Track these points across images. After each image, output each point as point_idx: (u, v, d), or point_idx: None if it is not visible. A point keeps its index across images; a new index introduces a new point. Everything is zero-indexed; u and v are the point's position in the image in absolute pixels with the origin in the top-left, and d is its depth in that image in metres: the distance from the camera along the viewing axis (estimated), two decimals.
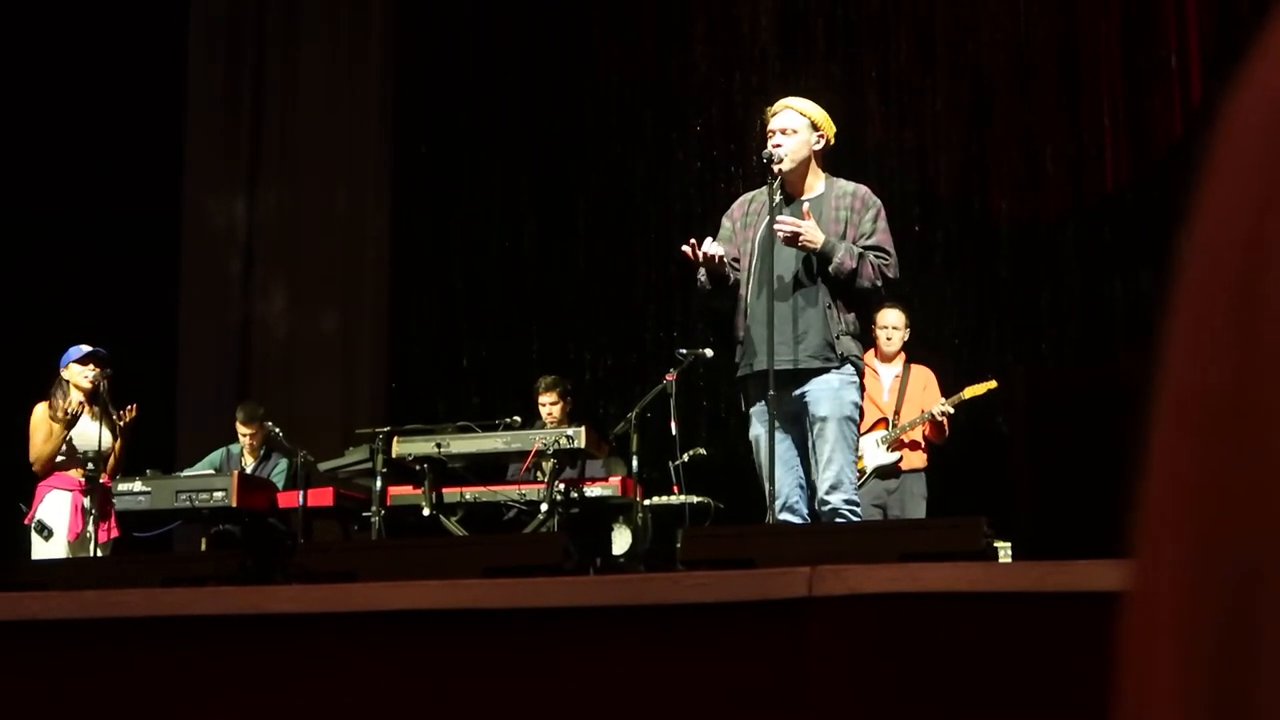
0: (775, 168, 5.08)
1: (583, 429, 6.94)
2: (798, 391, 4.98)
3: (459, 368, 9.95)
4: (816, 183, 5.19)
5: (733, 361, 5.16)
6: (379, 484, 6.91)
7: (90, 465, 6.96)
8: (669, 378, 6.86)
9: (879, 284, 5.03)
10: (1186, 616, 0.46)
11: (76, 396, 7.08)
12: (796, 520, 4.96)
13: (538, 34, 10.10)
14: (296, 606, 2.77)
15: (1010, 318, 8.83)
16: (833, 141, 5.24)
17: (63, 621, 2.87)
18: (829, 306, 4.98)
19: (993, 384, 7.30)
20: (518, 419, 7.25)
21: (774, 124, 5.17)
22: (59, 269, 9.29)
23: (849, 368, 5.00)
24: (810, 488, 5.01)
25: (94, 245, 9.39)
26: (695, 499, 7.29)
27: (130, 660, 2.84)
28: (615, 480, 7.17)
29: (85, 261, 9.34)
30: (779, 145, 5.11)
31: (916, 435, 7.26)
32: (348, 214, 10.24)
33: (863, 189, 5.18)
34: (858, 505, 5.07)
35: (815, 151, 5.18)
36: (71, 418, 7.03)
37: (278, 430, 7.78)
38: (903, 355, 7.41)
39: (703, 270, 5.03)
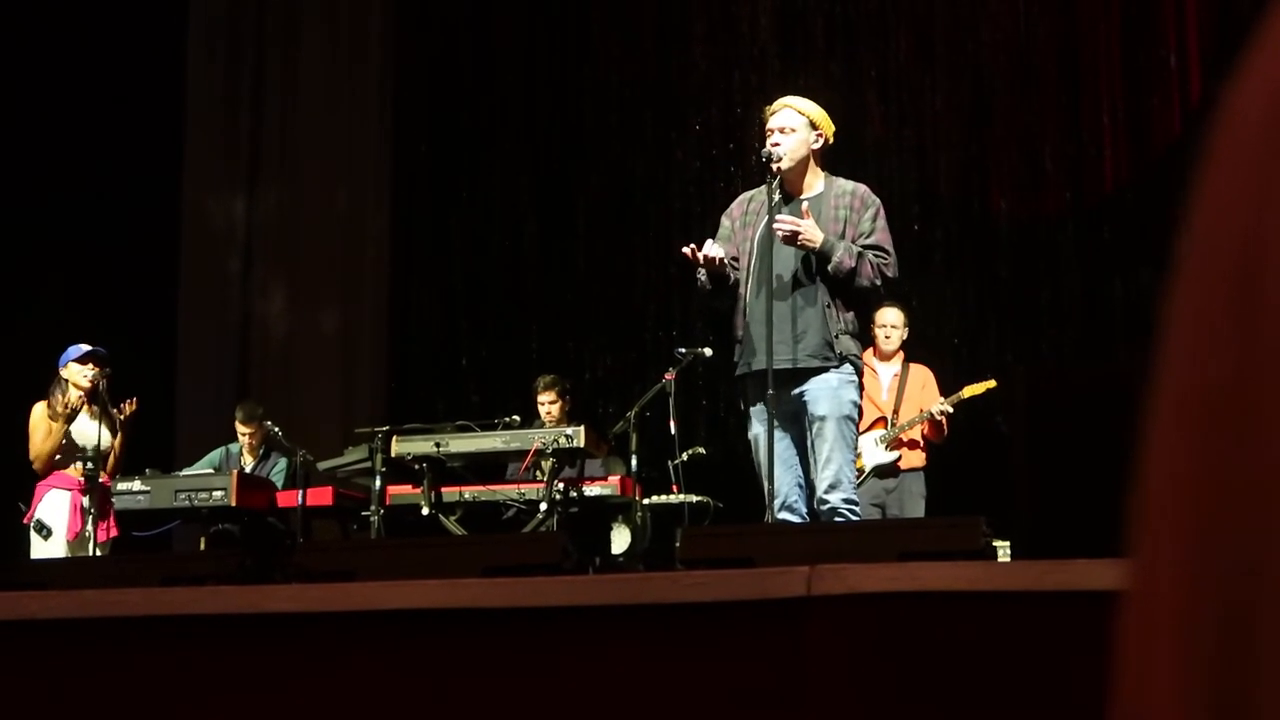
0: (774, 166, 5.08)
1: (582, 428, 6.94)
2: (796, 390, 4.98)
3: (458, 367, 9.95)
4: (815, 182, 5.19)
5: (731, 361, 5.16)
6: (378, 483, 6.91)
7: (89, 464, 6.96)
8: (668, 377, 6.86)
9: (878, 283, 5.02)
10: (1186, 615, 0.45)
11: (76, 392, 7.08)
12: (795, 519, 4.96)
13: (538, 34, 10.10)
14: (296, 606, 2.77)
15: (1010, 317, 8.83)
16: (832, 140, 5.23)
17: (62, 621, 2.86)
18: (828, 306, 4.98)
19: (991, 383, 7.30)
20: (517, 418, 7.25)
21: (773, 123, 5.16)
22: (59, 269, 9.29)
23: (848, 367, 5.00)
24: (809, 487, 5.01)
25: (94, 245, 9.38)
26: (694, 498, 7.29)
27: (129, 660, 2.84)
28: (614, 479, 7.17)
29: (85, 261, 9.34)
30: (778, 144, 5.10)
31: (915, 434, 7.26)
32: (348, 214, 10.24)
33: (862, 188, 5.18)
34: (856, 504, 5.07)
35: (814, 150, 5.17)
36: (71, 412, 7.03)
37: (277, 429, 7.78)
38: (901, 354, 7.41)
39: (703, 270, 5.03)
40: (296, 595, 2.83)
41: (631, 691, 2.56)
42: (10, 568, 4.48)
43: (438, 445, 6.96)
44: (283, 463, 8.08)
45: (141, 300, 9.70)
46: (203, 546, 7.27)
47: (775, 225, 4.96)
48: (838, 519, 4.88)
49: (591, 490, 7.10)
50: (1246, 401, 0.44)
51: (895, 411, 7.25)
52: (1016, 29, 9.04)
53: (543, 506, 6.82)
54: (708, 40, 9.69)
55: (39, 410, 7.12)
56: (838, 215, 5.07)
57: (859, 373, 5.06)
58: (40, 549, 6.93)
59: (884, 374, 7.31)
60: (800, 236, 4.92)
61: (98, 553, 6.88)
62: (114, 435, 7.13)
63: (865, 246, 5.01)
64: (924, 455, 7.28)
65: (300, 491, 7.25)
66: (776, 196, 5.08)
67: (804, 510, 5.01)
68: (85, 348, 7.15)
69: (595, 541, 6.88)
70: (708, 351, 6.53)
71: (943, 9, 9.18)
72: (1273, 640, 0.43)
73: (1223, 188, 0.46)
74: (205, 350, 10.13)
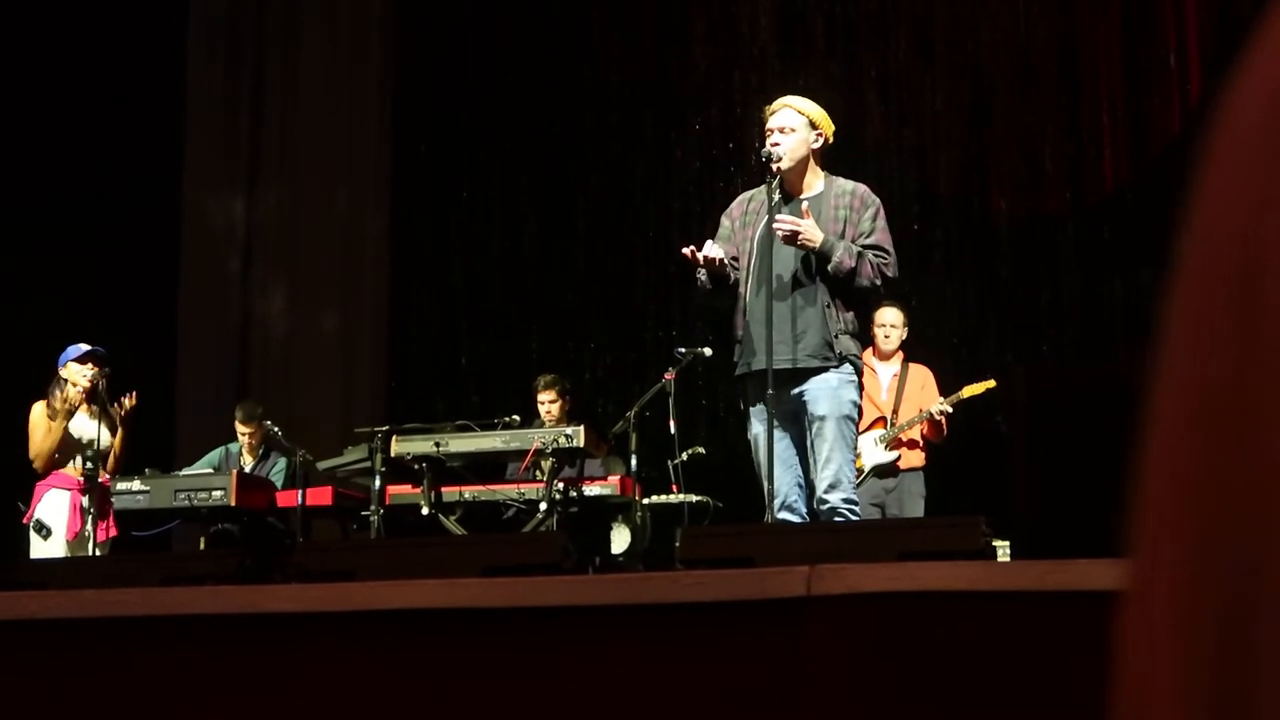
0: (774, 166, 5.08)
1: (581, 428, 6.94)
2: (796, 390, 4.98)
3: (458, 367, 9.95)
4: (815, 181, 5.19)
5: (731, 360, 5.16)
6: (378, 483, 6.91)
7: (89, 463, 6.96)
8: (668, 376, 6.86)
9: (878, 283, 5.02)
10: (1186, 615, 0.45)
11: (75, 389, 7.08)
12: (795, 519, 4.96)
13: (538, 34, 10.10)
14: (295, 606, 2.77)
15: (1010, 317, 8.83)
16: (831, 140, 5.23)
17: (61, 621, 2.86)
18: (828, 305, 4.97)
19: (991, 383, 7.30)
20: (516, 418, 7.25)
21: (772, 123, 5.16)
22: (59, 269, 9.28)
23: (847, 367, 5.00)
24: (809, 486, 5.01)
25: (94, 245, 9.38)
26: (694, 498, 7.29)
27: (129, 660, 2.83)
28: (614, 479, 7.17)
29: (85, 261, 9.33)
30: (777, 144, 5.10)
31: (915, 434, 7.26)
32: (348, 214, 10.24)
33: (862, 187, 5.18)
34: (856, 504, 5.07)
35: (814, 150, 5.17)
36: (70, 408, 7.03)
37: (277, 429, 7.78)
38: (901, 354, 7.41)
39: (703, 270, 5.03)
40: (296, 595, 2.83)
41: (631, 691, 2.56)
42: (10, 567, 4.48)
43: (437, 445, 6.96)
44: (282, 462, 8.08)
45: (141, 300, 9.70)
46: (202, 546, 7.27)
47: (775, 225, 4.95)
48: (837, 519, 4.88)
49: (591, 490, 7.10)
50: (1246, 401, 0.44)
51: (895, 411, 7.25)
52: (1016, 29, 9.04)
53: (542, 506, 6.82)
54: (708, 40, 9.69)
55: (38, 410, 7.13)
56: (837, 215, 5.07)
57: (859, 372, 5.06)
58: (40, 549, 6.93)
59: (883, 374, 7.31)
60: (800, 236, 4.92)
61: (97, 552, 6.88)
62: (113, 434, 7.13)
63: (865, 246, 5.00)
64: (923, 455, 7.28)
65: (300, 491, 7.25)
66: (776, 196, 5.08)
67: (804, 510, 5.01)
68: (85, 347, 7.15)
69: (595, 541, 6.88)
70: (707, 351, 6.52)
71: (943, 9, 9.19)
72: (1273, 640, 0.43)
73: (1222, 188, 0.46)
74: (205, 350, 10.13)
